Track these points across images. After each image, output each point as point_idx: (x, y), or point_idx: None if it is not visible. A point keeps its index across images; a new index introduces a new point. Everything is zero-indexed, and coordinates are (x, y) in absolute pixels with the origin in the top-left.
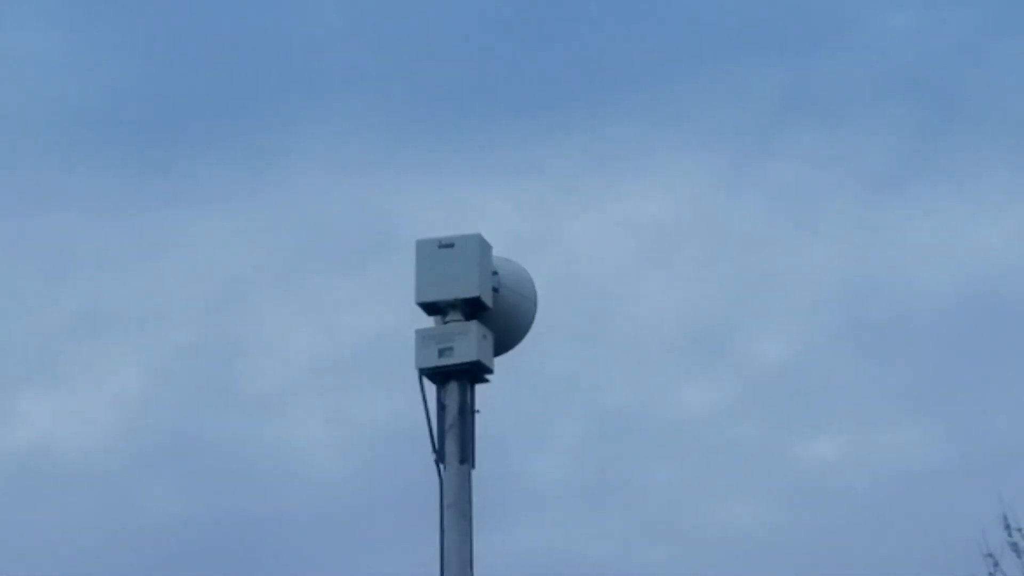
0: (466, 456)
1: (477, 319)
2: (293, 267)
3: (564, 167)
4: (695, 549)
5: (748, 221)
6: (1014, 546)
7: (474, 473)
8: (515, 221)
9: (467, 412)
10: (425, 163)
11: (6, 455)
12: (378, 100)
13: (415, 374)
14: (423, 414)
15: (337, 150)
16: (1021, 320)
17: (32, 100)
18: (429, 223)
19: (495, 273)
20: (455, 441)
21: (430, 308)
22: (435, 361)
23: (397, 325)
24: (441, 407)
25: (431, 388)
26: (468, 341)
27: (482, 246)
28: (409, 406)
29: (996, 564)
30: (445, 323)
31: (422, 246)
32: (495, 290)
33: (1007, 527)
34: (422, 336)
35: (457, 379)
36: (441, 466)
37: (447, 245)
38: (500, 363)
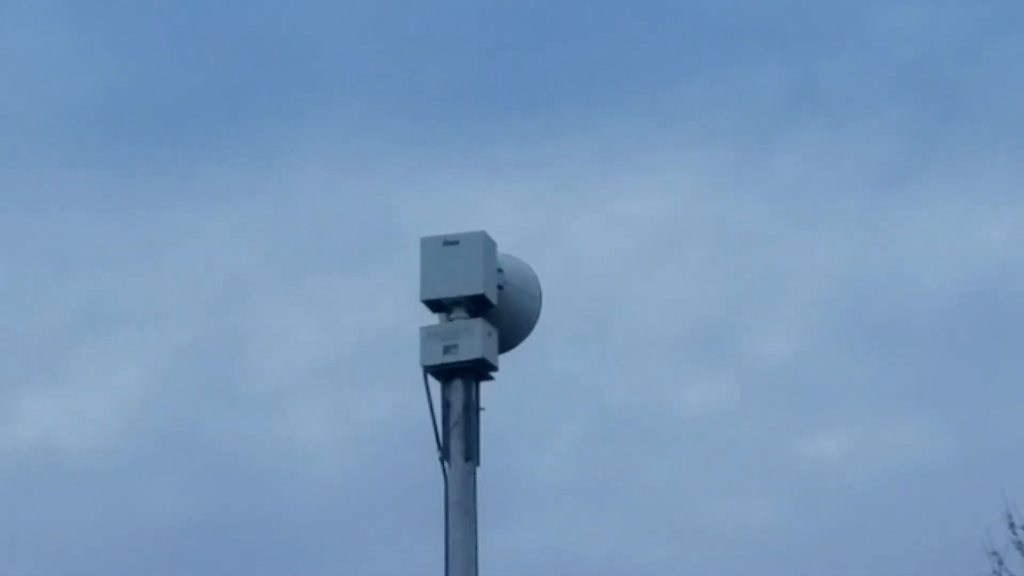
0: (471, 454)
1: (482, 316)
2: (295, 265)
3: (567, 165)
4: (697, 547)
5: (750, 219)
6: (1018, 544)
7: (478, 471)
8: (517, 219)
9: (472, 410)
10: (427, 161)
11: (7, 454)
12: (380, 98)
13: (419, 372)
14: (427, 412)
15: (339, 148)
16: (1023, 318)
17: (33, 99)
18: (431, 221)
19: (500, 270)
20: (460, 439)
21: (435, 305)
22: (440, 358)
23: (400, 323)
24: (446, 405)
25: (436, 386)
26: (473, 338)
27: (487, 243)
28: (413, 404)
29: (1000, 562)
30: (450, 320)
31: (426, 243)
32: (500, 287)
33: (1011, 525)
34: (427, 333)
35: (462, 377)
36: (446, 464)
37: (452, 242)
38: (504, 361)
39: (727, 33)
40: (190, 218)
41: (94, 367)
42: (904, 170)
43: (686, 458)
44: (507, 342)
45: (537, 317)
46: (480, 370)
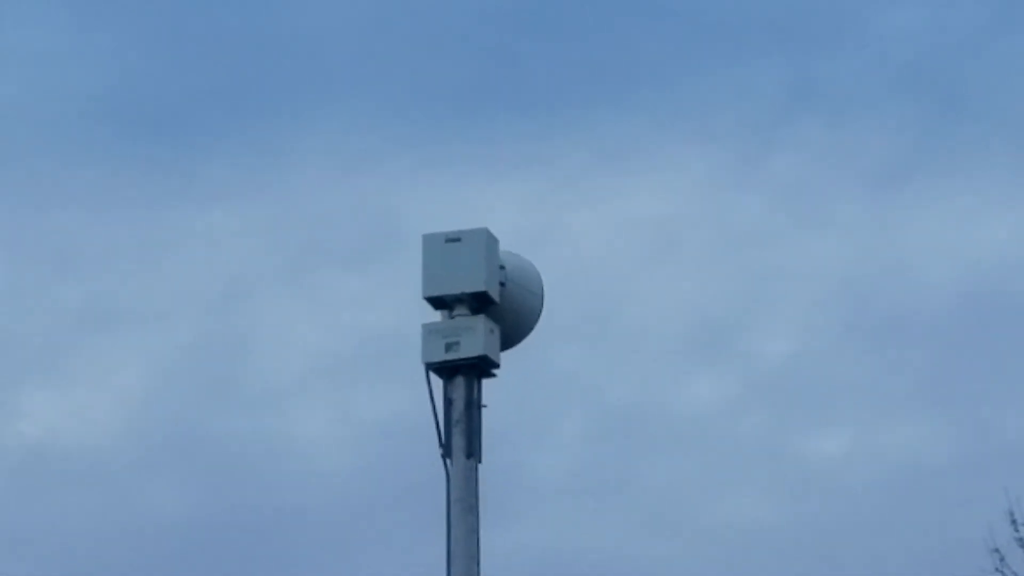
0: (473, 451)
1: (484, 313)
2: (297, 263)
3: (568, 163)
4: (698, 545)
5: (751, 218)
6: (1021, 542)
7: (480, 468)
8: (519, 217)
9: (473, 407)
10: (429, 159)
11: (9, 451)
12: (382, 96)
13: (421, 369)
14: (429, 409)
15: (341, 146)
16: None
17: (35, 97)
18: (433, 219)
19: (502, 267)
20: (462, 436)
21: (437, 302)
22: (442, 356)
23: (402, 320)
24: (448, 402)
25: (438, 383)
26: (475, 336)
27: (489, 240)
28: (415, 401)
29: (1002, 559)
30: (452, 318)
31: (429, 240)
32: (502, 284)
33: (1013, 523)
34: (429, 330)
35: (464, 374)
36: (448, 461)
37: (454, 239)
38: (506, 358)
39: (728, 32)
40: (192, 216)
41: (95, 365)
42: (905, 169)
43: (687, 456)
44: (509, 339)
45: (539, 314)
46: (482, 367)
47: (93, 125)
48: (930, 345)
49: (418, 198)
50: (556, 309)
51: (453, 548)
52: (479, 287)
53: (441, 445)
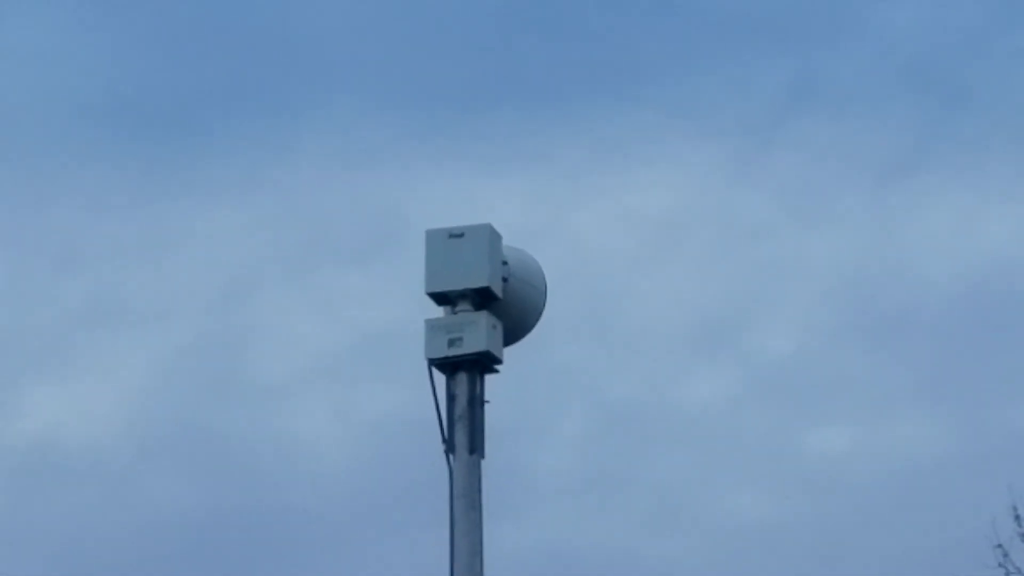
0: (476, 446)
1: (487, 309)
2: (300, 260)
3: (571, 159)
4: (702, 540)
5: (754, 212)
6: None
7: (483, 464)
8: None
9: (476, 403)
10: (432, 155)
11: (12, 447)
12: (384, 92)
13: (423, 365)
14: (432, 405)
15: (343, 143)
16: None
17: (39, 94)
18: (435, 215)
19: (505, 263)
20: (464, 432)
21: (440, 298)
22: (445, 351)
23: (405, 316)
24: (450, 398)
25: (440, 379)
26: (478, 331)
27: (492, 236)
28: (417, 397)
29: (1006, 555)
30: (455, 313)
31: (432, 236)
32: (505, 280)
33: (1017, 518)
34: (431, 326)
35: (467, 369)
36: (450, 457)
37: (457, 235)
38: (509, 353)
39: (731, 27)
40: (193, 213)
41: (98, 362)
42: (907, 166)
43: (689, 453)
44: (512, 335)
45: (542, 310)
46: (485, 363)
47: (95, 123)
48: (932, 341)
49: (420, 194)
50: (558, 305)
51: (456, 544)
52: (482, 283)
53: (444, 441)
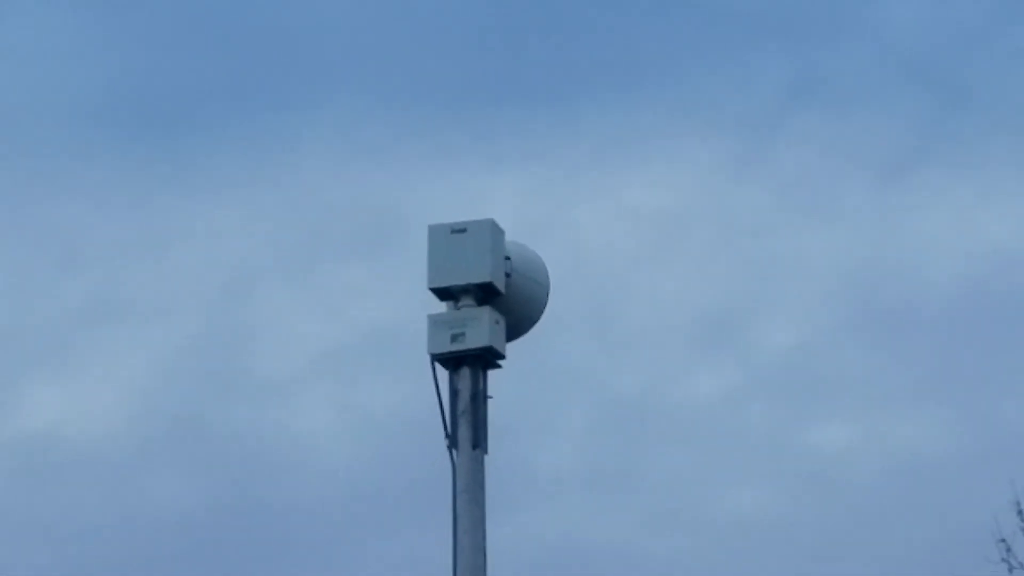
0: (478, 442)
1: (490, 304)
2: (301, 255)
3: (573, 155)
4: (703, 536)
5: (756, 210)
6: None
7: (486, 459)
8: (523, 208)
9: (479, 398)
10: (434, 150)
11: (14, 442)
12: (386, 87)
13: (426, 360)
14: (435, 400)
15: (346, 137)
16: None
17: (38, 92)
18: (438, 210)
19: (508, 258)
20: (467, 427)
21: (442, 293)
22: (447, 347)
23: (407, 312)
24: (453, 393)
25: (443, 374)
26: (480, 327)
27: (495, 231)
28: (420, 392)
29: (1009, 550)
30: (457, 308)
31: (434, 231)
32: (507, 275)
33: (1020, 513)
34: (434, 321)
35: (469, 365)
36: (454, 452)
37: (460, 230)
38: (512, 349)
39: (732, 23)
40: (195, 208)
41: (100, 358)
42: (909, 162)
43: (691, 448)
44: (515, 330)
45: (545, 305)
46: (488, 358)
47: (96, 120)
48: (934, 338)
49: (422, 189)
50: (560, 301)
51: (459, 539)
52: (485, 278)
53: (447, 436)
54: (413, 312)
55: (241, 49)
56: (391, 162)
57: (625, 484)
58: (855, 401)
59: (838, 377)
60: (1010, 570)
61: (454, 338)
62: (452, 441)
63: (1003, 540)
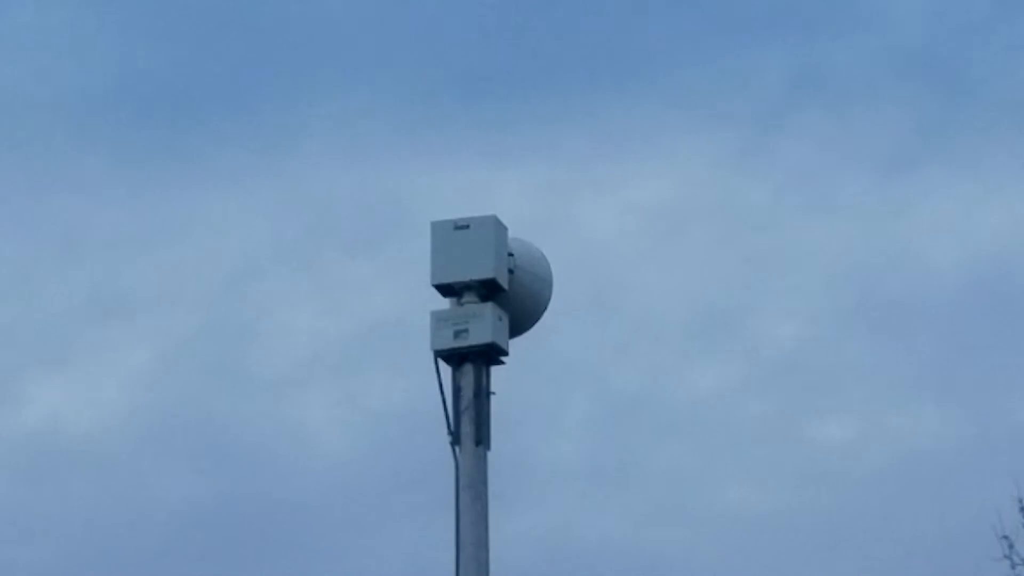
0: (481, 438)
1: (493, 301)
2: (305, 249)
3: (575, 149)
4: (704, 530)
5: (758, 203)
6: None
7: (489, 455)
8: (525, 203)
9: (482, 394)
10: (436, 145)
11: (16, 437)
12: (389, 82)
13: (428, 356)
14: (437, 396)
15: (349, 132)
16: None
17: (41, 82)
18: (440, 205)
19: (511, 254)
20: (470, 423)
21: (445, 290)
22: (450, 343)
23: (410, 307)
24: (456, 389)
25: (446, 370)
26: (483, 323)
27: (498, 227)
28: (423, 388)
29: (1011, 546)
30: (461, 305)
31: (437, 227)
32: (511, 272)
33: (1022, 508)
34: (437, 318)
35: (472, 361)
36: (456, 448)
37: (463, 226)
38: (515, 345)
39: (733, 17)
40: (198, 202)
41: (102, 351)
42: (910, 155)
43: (693, 442)
44: (518, 326)
45: (548, 301)
46: (491, 354)
47: (99, 111)
48: (936, 331)
49: (424, 185)
50: (562, 297)
51: (462, 535)
52: (488, 274)
53: (450, 432)
54: (416, 308)
55: (244, 42)
56: (394, 158)
57: (626, 478)
58: (856, 395)
59: (839, 371)
60: (1012, 567)
61: (457, 334)
62: (455, 437)
63: (1005, 536)
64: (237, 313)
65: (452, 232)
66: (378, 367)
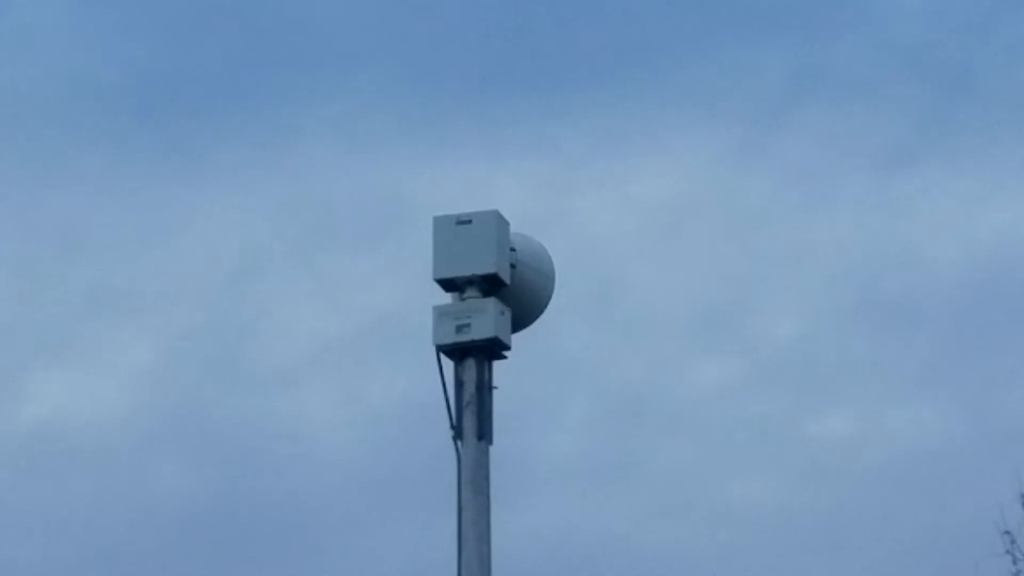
0: (483, 433)
1: (495, 296)
2: (306, 245)
3: (576, 145)
4: (706, 527)
5: (759, 199)
6: None
7: (491, 450)
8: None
9: (484, 389)
10: (437, 141)
11: (17, 432)
12: (390, 78)
13: (430, 351)
14: (439, 391)
15: (350, 128)
16: None
17: (42, 77)
18: (440, 201)
19: (513, 249)
20: (472, 418)
21: (448, 284)
22: (453, 338)
23: (412, 303)
24: (458, 384)
25: (448, 365)
26: (486, 318)
27: (500, 222)
28: (425, 383)
29: (1013, 541)
30: (463, 299)
31: (439, 222)
32: (513, 266)
33: None
34: (439, 312)
35: (475, 356)
36: (458, 443)
37: (465, 221)
38: (517, 340)
39: (734, 14)
40: (200, 198)
41: (103, 346)
42: (911, 151)
43: (694, 439)
44: (520, 321)
45: (550, 296)
46: (493, 349)
47: (100, 107)
48: (937, 327)
49: (426, 180)
50: (563, 292)
51: (464, 530)
52: (490, 269)
53: (452, 427)
54: (418, 303)
55: (245, 38)
56: (395, 153)
57: (628, 474)
58: (857, 391)
59: (840, 367)
60: (1014, 562)
61: (459, 329)
62: (457, 432)
63: (1007, 532)
64: (238, 309)
65: (454, 227)
66: (380, 363)
